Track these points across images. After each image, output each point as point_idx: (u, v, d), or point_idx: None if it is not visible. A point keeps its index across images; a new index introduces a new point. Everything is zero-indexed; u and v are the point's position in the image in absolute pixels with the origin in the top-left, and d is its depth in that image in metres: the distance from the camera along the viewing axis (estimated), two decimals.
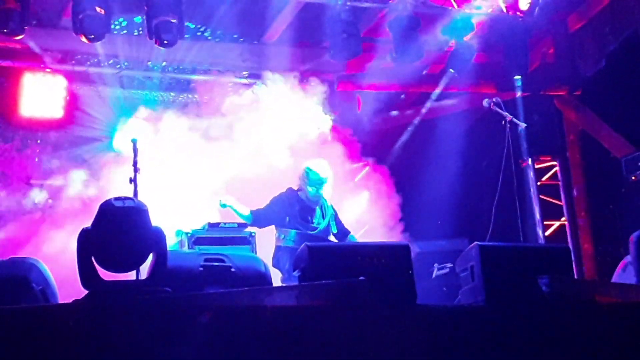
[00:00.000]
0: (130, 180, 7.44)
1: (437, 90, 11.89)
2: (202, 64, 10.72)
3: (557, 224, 12.07)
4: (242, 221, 8.69)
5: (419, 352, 4.88)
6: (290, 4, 10.52)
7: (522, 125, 9.22)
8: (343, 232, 8.96)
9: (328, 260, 5.36)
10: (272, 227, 8.78)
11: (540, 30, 11.60)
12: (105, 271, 4.89)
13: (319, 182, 8.73)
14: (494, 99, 9.10)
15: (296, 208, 8.72)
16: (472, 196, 11.52)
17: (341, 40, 10.32)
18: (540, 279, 5.43)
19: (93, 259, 4.79)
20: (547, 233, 11.99)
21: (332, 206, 9.00)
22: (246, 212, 8.66)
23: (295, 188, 8.85)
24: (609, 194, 10.81)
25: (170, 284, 4.93)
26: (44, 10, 10.29)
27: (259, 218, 8.71)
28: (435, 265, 10.23)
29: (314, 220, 8.77)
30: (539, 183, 12.21)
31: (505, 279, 5.48)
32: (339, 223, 8.99)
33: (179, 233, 8.60)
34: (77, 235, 4.84)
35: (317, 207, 8.84)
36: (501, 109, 8.95)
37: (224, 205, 8.64)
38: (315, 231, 8.66)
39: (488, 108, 9.11)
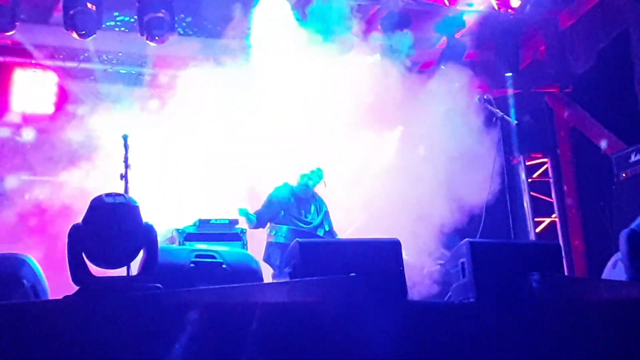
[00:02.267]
0: (121, 177, 7.42)
1: None
2: (192, 58, 10.68)
3: (547, 220, 12.10)
4: (235, 218, 8.69)
5: (410, 348, 4.89)
6: None
7: (513, 122, 9.23)
8: (331, 233, 8.99)
9: (319, 257, 5.36)
10: None
11: (531, 28, 11.62)
12: (95, 267, 4.89)
13: (317, 176, 8.88)
14: (485, 96, 9.12)
15: (292, 202, 8.79)
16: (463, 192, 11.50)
17: None
18: (530, 276, 5.45)
19: (83, 254, 4.78)
20: (537, 230, 12.01)
21: (325, 204, 9.05)
22: (252, 216, 8.73)
23: (291, 183, 8.92)
24: (599, 190, 10.81)
25: (161, 280, 4.93)
26: (35, 6, 10.26)
27: (262, 218, 8.75)
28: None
29: (307, 216, 8.82)
30: (529, 180, 12.24)
31: (496, 276, 5.49)
32: (329, 222, 9.04)
33: (178, 231, 8.57)
34: (67, 231, 4.84)
35: (312, 203, 8.90)
36: (492, 106, 8.97)
37: (241, 212, 8.66)
38: (310, 226, 8.71)
39: (479, 105, 9.14)
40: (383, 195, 10.23)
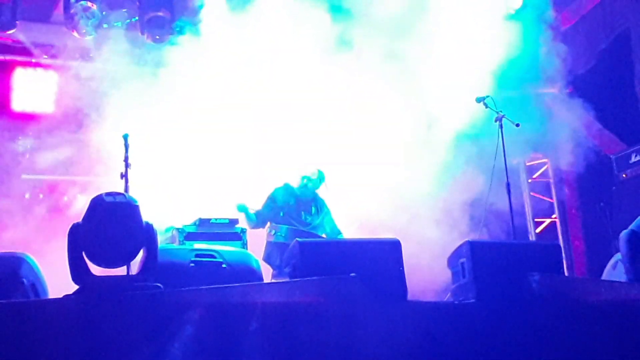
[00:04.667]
0: (121, 176, 7.41)
1: None
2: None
3: (547, 221, 12.10)
4: (236, 217, 8.69)
5: (410, 348, 4.89)
6: None
7: (514, 122, 9.20)
8: (334, 232, 8.99)
9: (319, 256, 5.36)
10: None
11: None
12: (95, 266, 4.88)
13: (318, 178, 8.93)
14: (485, 96, 9.10)
15: (291, 202, 8.80)
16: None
17: None
18: (530, 276, 5.45)
19: (84, 254, 4.78)
20: (537, 230, 12.01)
21: (327, 205, 9.05)
22: (252, 215, 8.74)
23: (292, 184, 8.93)
24: (599, 191, 10.81)
25: (161, 280, 4.92)
26: (36, 5, 10.26)
27: (262, 218, 8.77)
28: None
29: (307, 217, 8.82)
30: (530, 180, 12.24)
31: (496, 276, 5.49)
32: (331, 222, 9.04)
33: (178, 230, 8.58)
34: (68, 230, 4.83)
35: (313, 204, 8.91)
36: (493, 107, 8.95)
37: (240, 208, 8.65)
38: (308, 227, 8.70)
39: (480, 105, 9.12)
40: (385, 195, 10.23)
